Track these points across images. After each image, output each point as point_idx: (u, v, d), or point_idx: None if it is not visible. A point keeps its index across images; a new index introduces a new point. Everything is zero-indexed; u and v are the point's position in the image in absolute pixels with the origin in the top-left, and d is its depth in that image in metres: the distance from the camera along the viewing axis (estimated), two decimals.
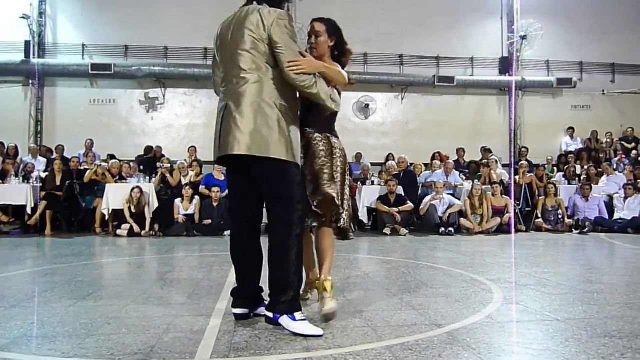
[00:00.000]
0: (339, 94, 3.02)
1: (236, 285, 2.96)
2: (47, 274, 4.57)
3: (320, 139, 3.04)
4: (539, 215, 9.58)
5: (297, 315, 2.66)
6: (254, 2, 2.82)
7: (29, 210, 8.65)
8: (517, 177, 10.31)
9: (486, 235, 8.73)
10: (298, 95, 2.90)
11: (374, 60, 13.37)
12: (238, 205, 2.99)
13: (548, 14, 13.67)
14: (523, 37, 13.50)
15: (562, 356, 2.29)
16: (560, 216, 9.52)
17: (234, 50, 2.76)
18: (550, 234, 9.03)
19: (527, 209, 10.03)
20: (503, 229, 8.95)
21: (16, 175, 9.23)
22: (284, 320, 2.65)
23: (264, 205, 2.92)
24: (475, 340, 2.52)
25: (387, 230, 8.72)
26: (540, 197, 9.82)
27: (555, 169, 11.97)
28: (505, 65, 13.85)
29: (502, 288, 3.86)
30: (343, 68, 3.14)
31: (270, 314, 2.71)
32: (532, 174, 10.49)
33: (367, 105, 13.38)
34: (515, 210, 9.59)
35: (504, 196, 9.35)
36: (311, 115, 3.02)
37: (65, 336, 2.60)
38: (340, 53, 3.21)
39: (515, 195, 9.93)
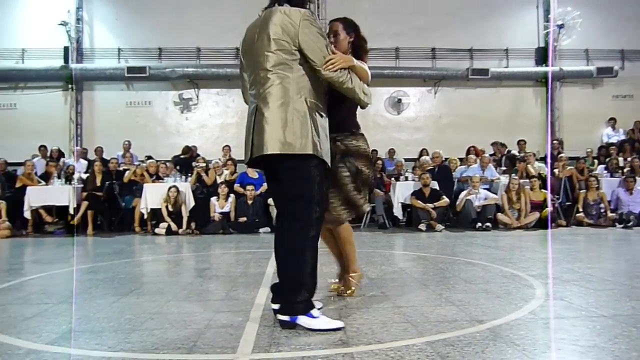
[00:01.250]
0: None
1: (278, 281, 2.95)
2: (91, 272, 4.70)
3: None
4: (580, 210, 9.32)
5: (314, 312, 2.65)
6: (276, 4, 2.83)
7: (71, 211, 8.91)
8: (556, 170, 10.05)
9: (524, 231, 8.55)
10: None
11: (405, 55, 13.24)
12: (278, 203, 3.00)
13: (586, 1, 13.26)
14: (560, 26, 13.13)
15: (611, 353, 2.23)
16: (602, 210, 9.23)
17: (260, 52, 2.77)
18: (592, 229, 8.78)
19: (567, 203, 9.77)
20: (542, 224, 8.75)
21: (59, 177, 9.52)
22: (302, 320, 2.63)
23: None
24: (519, 336, 2.47)
25: (422, 226, 8.62)
26: (581, 191, 9.55)
27: (596, 161, 11.62)
28: (541, 55, 13.50)
29: (544, 284, 3.78)
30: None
31: (287, 317, 2.66)
32: (572, 167, 10.21)
33: (399, 100, 13.27)
34: (554, 204, 9.36)
35: (542, 190, 9.13)
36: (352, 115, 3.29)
37: (111, 331, 2.67)
38: (359, 50, 3.28)
39: (555, 189, 9.69)
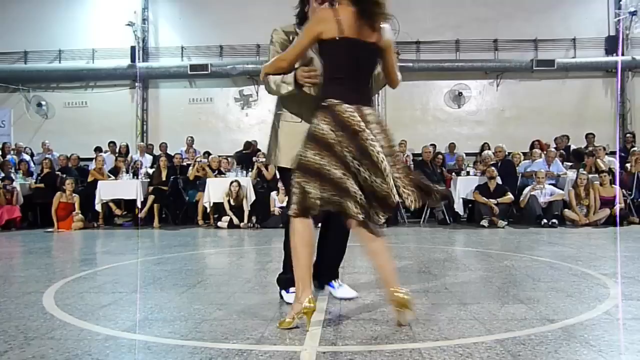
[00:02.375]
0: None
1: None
2: (160, 263, 4.89)
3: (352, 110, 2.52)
4: None
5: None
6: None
7: (138, 204, 9.29)
8: (628, 165, 9.54)
9: (594, 228, 8.17)
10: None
11: (466, 47, 12.91)
12: None
13: None
14: (633, 13, 12.43)
15: None
16: None
17: None
18: None
19: None
20: (613, 221, 8.33)
21: (127, 172, 9.94)
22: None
23: None
24: (594, 337, 2.38)
25: (484, 222, 8.42)
26: None
27: None
28: (612, 44, 12.80)
29: (619, 283, 3.60)
30: (370, 8, 2.55)
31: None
32: None
33: (460, 94, 12.97)
34: (626, 200, 8.90)
35: (613, 186, 8.69)
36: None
37: (182, 320, 2.77)
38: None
39: (627, 185, 9.21)
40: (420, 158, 9.86)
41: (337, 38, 2.49)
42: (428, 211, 9.31)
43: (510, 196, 8.58)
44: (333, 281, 3.24)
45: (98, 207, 9.33)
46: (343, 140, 2.46)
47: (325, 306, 3.01)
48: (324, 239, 3.20)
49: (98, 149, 11.52)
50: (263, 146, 11.77)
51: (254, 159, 10.00)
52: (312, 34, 2.55)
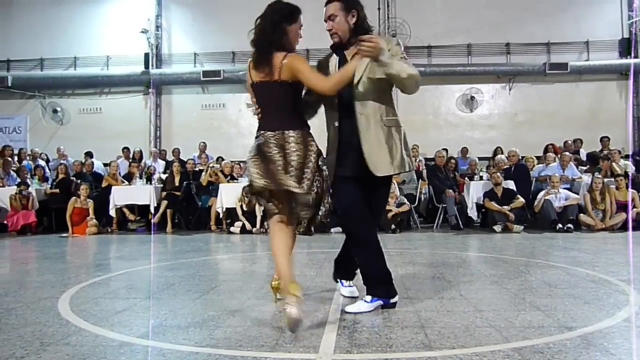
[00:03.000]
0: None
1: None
2: (173, 269, 4.90)
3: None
4: None
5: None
6: None
7: (152, 209, 9.33)
8: None
9: (610, 232, 8.07)
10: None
11: (478, 51, 12.85)
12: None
13: None
14: None
15: None
16: None
17: None
18: None
19: None
20: (629, 225, 8.21)
21: (140, 177, 10.01)
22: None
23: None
24: (614, 345, 2.34)
25: (497, 227, 8.35)
26: None
27: None
28: (625, 47, 12.68)
29: (637, 289, 3.55)
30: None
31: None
32: None
33: (472, 98, 12.90)
34: None
35: (630, 189, 8.57)
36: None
37: (196, 327, 2.77)
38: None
39: None
40: (433, 163, 9.80)
41: (251, 83, 3.06)
42: (441, 216, 9.25)
43: (521, 200, 8.48)
44: (344, 281, 3.49)
45: (112, 213, 9.39)
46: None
47: (339, 314, 2.99)
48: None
49: (88, 154, 11.62)
50: None
51: None
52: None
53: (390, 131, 2.99)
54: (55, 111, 13.39)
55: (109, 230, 9.36)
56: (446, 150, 10.94)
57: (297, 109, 2.96)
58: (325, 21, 3.00)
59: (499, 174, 8.72)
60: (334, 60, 3.08)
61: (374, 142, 2.93)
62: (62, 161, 11.07)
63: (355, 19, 2.93)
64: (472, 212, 9.03)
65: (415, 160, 10.48)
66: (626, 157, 10.58)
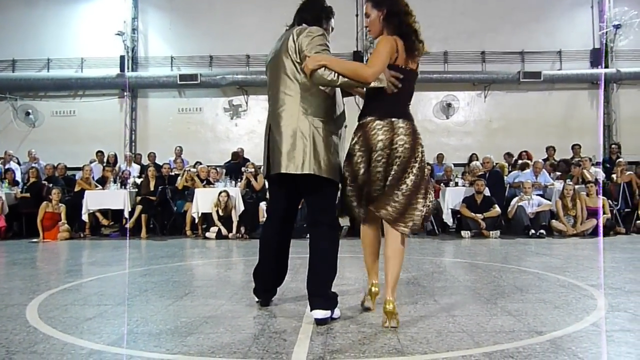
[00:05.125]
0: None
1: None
2: (146, 274, 4.84)
3: (380, 126, 2.89)
4: None
5: None
6: (296, 25, 3.05)
7: (126, 214, 9.20)
8: (614, 175, 9.64)
9: (581, 238, 8.24)
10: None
11: (454, 59, 13.04)
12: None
13: None
14: (617, 26, 12.65)
15: None
16: None
17: (277, 73, 2.99)
18: None
19: (626, 210, 9.36)
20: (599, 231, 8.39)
21: (114, 182, 9.86)
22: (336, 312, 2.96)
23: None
24: (582, 349, 2.38)
25: (465, 234, 8.48)
26: None
27: None
28: (597, 57, 13.00)
29: (606, 294, 3.62)
30: (412, 44, 2.94)
31: (329, 312, 2.86)
32: (631, 172, 9.77)
33: (448, 105, 13.06)
34: (613, 211, 8.98)
35: (600, 196, 8.77)
36: (372, 100, 3.00)
37: (168, 333, 2.74)
38: (400, 25, 2.95)
39: (613, 195, 9.31)
40: None
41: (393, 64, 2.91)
42: None
43: (497, 210, 8.61)
44: None
45: (85, 217, 9.24)
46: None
47: (313, 319, 2.98)
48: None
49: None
50: (252, 156, 11.80)
51: (243, 169, 9.96)
52: (390, 53, 2.87)
53: None
54: (27, 113, 13.13)
55: (82, 235, 9.21)
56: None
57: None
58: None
59: (482, 181, 8.82)
60: None
61: None
62: (33, 164, 10.85)
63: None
64: (448, 218, 9.13)
65: None
66: (597, 164, 10.82)
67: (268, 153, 3.06)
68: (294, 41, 2.91)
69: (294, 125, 2.89)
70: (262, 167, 3.20)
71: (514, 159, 10.94)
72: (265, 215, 3.38)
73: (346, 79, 2.77)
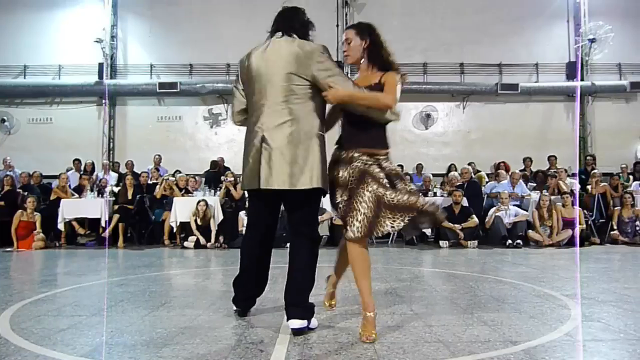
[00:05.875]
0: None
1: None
2: (123, 284, 4.77)
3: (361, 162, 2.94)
4: (615, 227, 9.08)
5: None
6: (282, 34, 3.00)
7: (103, 223, 9.08)
8: (589, 186, 9.83)
9: (557, 248, 8.37)
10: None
11: (434, 70, 13.20)
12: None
13: (618, 15, 13.05)
14: (592, 40, 12.94)
15: None
16: (638, 228, 8.98)
17: (273, 83, 2.90)
18: (628, 247, 8.53)
19: (601, 220, 9.54)
20: (575, 241, 8.53)
21: (92, 190, 9.73)
22: (313, 322, 2.95)
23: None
24: (555, 358, 2.41)
25: (442, 244, 8.56)
26: (616, 208, 9.31)
27: (631, 177, 11.32)
28: (572, 70, 13.28)
29: (580, 304, 3.68)
30: (395, 71, 3.07)
31: (305, 322, 2.86)
32: (605, 184, 9.97)
33: (428, 115, 13.20)
34: (588, 221, 9.14)
35: (575, 207, 8.92)
36: (354, 130, 3.02)
37: (144, 345, 2.70)
38: (374, 55, 3.09)
39: (588, 206, 9.49)
40: None
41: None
42: (396, 232, 9.34)
43: (474, 220, 8.71)
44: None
45: (61, 226, 9.08)
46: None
47: (289, 329, 2.98)
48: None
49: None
50: (231, 165, 11.76)
51: (222, 177, 9.91)
52: None
53: None
54: (2, 120, 12.90)
55: (57, 244, 9.06)
56: (402, 166, 11.09)
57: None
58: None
59: (460, 192, 8.91)
60: None
61: None
62: (8, 172, 10.65)
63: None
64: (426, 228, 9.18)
65: None
66: (572, 175, 11.03)
67: (258, 166, 2.90)
68: (297, 55, 2.87)
69: (297, 140, 2.84)
70: (246, 180, 3.03)
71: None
72: (245, 225, 3.28)
73: (369, 109, 2.91)
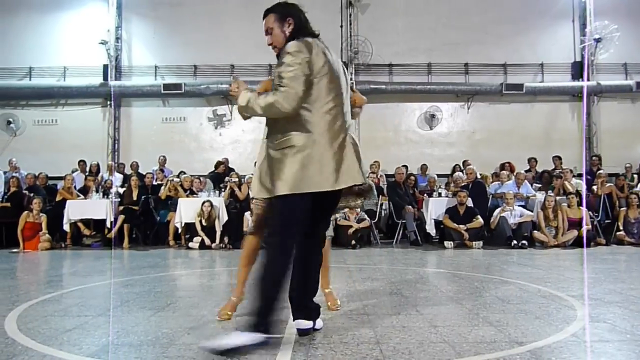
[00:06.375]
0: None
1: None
2: (128, 285, 4.79)
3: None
4: (621, 228, 9.04)
5: None
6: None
7: (108, 224, 9.11)
8: (595, 187, 9.79)
9: (562, 249, 8.33)
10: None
11: (438, 70, 13.16)
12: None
13: (624, 14, 12.99)
14: (597, 40, 12.87)
15: None
16: None
17: (343, 86, 2.81)
18: (634, 248, 8.48)
19: (606, 221, 9.50)
20: (581, 242, 8.50)
21: (97, 191, 9.76)
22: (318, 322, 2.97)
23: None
24: (562, 359, 2.40)
25: (447, 244, 8.54)
26: (622, 208, 9.26)
27: (636, 177, 11.26)
28: (578, 70, 13.24)
29: (586, 305, 3.67)
30: None
31: (311, 322, 2.89)
32: (611, 184, 9.93)
33: (432, 116, 13.18)
34: (594, 222, 9.11)
35: (580, 207, 8.89)
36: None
37: (149, 345, 2.71)
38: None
39: (594, 207, 9.44)
40: (393, 179, 9.94)
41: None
42: (401, 232, 9.36)
43: (479, 221, 8.67)
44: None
45: (66, 227, 9.11)
46: None
47: (295, 330, 2.98)
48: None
49: None
50: (236, 166, 11.78)
51: (227, 178, 9.92)
52: None
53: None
54: (8, 122, 12.94)
55: (63, 245, 9.08)
56: (406, 167, 11.12)
57: None
58: (266, 35, 2.84)
59: (465, 192, 8.89)
60: None
61: None
62: (14, 174, 10.69)
63: (292, 26, 2.76)
64: (431, 229, 9.18)
65: (376, 176, 10.60)
66: (579, 176, 10.98)
67: (340, 165, 2.68)
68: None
69: (352, 139, 2.81)
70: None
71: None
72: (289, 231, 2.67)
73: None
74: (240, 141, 13.10)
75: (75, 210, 9.19)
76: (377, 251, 8.20)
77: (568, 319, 3.23)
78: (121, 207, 9.35)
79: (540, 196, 9.37)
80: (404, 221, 9.20)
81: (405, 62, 13.04)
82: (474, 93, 13.15)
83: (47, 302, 3.95)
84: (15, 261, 7.21)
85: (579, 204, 8.99)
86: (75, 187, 10.06)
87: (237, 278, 3.35)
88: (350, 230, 8.59)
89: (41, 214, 8.81)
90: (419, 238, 9.06)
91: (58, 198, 9.64)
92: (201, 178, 10.29)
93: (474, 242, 8.48)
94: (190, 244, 8.75)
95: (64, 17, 13.24)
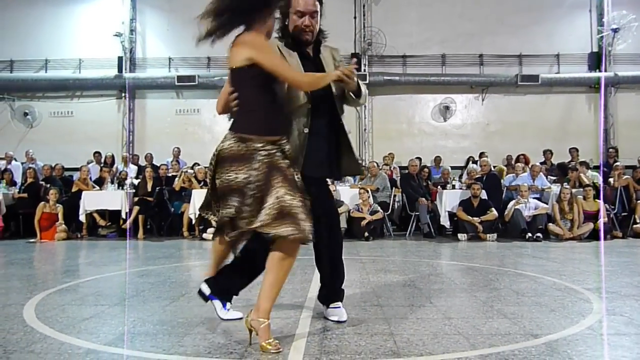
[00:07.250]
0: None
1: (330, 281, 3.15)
2: (143, 275, 4.84)
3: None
4: (638, 221, 8.93)
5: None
6: None
7: (123, 215, 9.20)
8: (611, 179, 9.67)
9: (577, 242, 8.25)
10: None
11: (452, 61, 13.06)
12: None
13: None
14: (615, 30, 12.66)
15: None
16: None
17: None
18: None
19: (623, 214, 9.39)
20: (596, 235, 8.41)
21: (112, 182, 9.85)
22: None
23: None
24: (577, 352, 2.39)
25: (461, 237, 8.51)
26: (639, 201, 9.14)
27: None
28: (595, 60, 13.04)
29: (602, 298, 3.64)
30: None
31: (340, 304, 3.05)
32: (628, 176, 9.80)
33: (446, 107, 13.08)
34: (610, 215, 9.00)
35: (596, 200, 8.79)
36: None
37: (165, 334, 2.74)
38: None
39: (610, 199, 9.33)
40: (407, 171, 9.91)
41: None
42: (414, 224, 9.33)
43: (494, 213, 8.60)
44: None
45: (82, 218, 9.22)
46: None
47: (309, 320, 2.99)
48: None
49: None
50: None
51: None
52: None
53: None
54: (25, 114, 13.10)
55: (79, 235, 9.20)
56: (420, 159, 11.06)
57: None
58: (302, 15, 2.79)
59: (479, 185, 8.83)
60: (296, 56, 2.88)
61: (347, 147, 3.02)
62: (30, 165, 10.83)
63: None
64: (445, 221, 9.14)
65: (389, 167, 10.56)
66: (596, 168, 10.85)
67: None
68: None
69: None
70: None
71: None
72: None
73: None
74: None
75: (91, 201, 9.29)
76: (390, 243, 8.19)
77: (584, 312, 3.20)
78: (136, 199, 9.43)
79: (555, 188, 9.28)
80: (417, 213, 9.17)
81: (419, 54, 12.95)
82: (488, 84, 13.02)
83: (64, 292, 4.01)
84: (33, 251, 7.32)
85: (596, 196, 8.89)
86: (90, 178, 10.16)
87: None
88: (364, 222, 8.58)
89: (57, 205, 8.92)
90: (432, 230, 9.03)
91: (74, 189, 9.75)
92: None
93: (488, 235, 8.43)
94: (204, 235, 8.80)
95: (79, 9, 13.34)
